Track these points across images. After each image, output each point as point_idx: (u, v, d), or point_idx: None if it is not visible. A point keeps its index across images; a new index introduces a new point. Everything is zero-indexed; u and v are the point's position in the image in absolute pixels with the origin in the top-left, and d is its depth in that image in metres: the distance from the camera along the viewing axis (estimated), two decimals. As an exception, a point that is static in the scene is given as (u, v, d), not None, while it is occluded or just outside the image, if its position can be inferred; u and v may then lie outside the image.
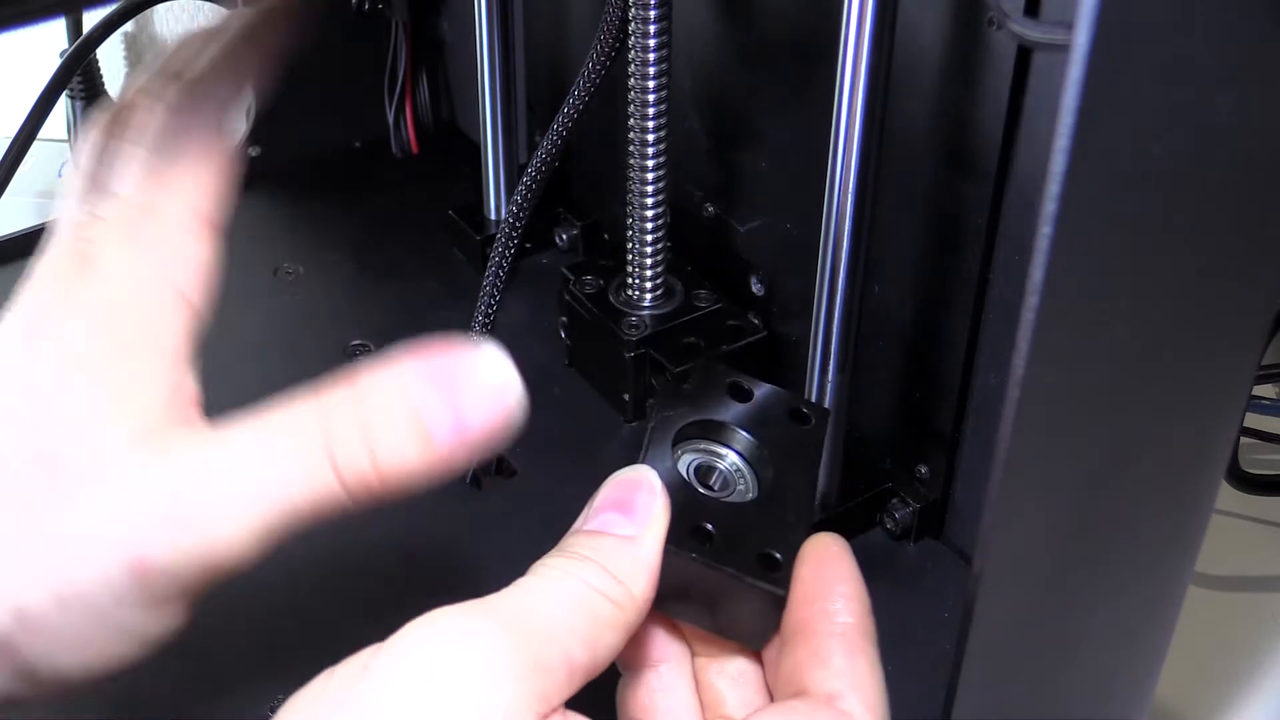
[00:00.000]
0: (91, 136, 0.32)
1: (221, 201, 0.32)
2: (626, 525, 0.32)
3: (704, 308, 0.55)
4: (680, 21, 0.50)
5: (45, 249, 0.31)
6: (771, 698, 0.34)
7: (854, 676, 0.32)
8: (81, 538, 0.29)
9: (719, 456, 0.36)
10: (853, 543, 0.50)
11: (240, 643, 0.46)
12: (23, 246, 0.63)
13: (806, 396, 0.47)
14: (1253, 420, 0.58)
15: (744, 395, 0.37)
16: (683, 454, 0.35)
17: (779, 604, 0.33)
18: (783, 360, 0.55)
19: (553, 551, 0.32)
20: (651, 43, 0.48)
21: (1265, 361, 0.53)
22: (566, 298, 0.57)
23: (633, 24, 0.48)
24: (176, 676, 0.46)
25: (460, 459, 0.30)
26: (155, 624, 0.30)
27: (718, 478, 0.36)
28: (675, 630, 0.35)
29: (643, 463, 0.34)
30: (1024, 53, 0.41)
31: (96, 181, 0.31)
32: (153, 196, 0.31)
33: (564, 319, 0.58)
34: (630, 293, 0.55)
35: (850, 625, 0.33)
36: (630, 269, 0.55)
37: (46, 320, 0.30)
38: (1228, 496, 0.56)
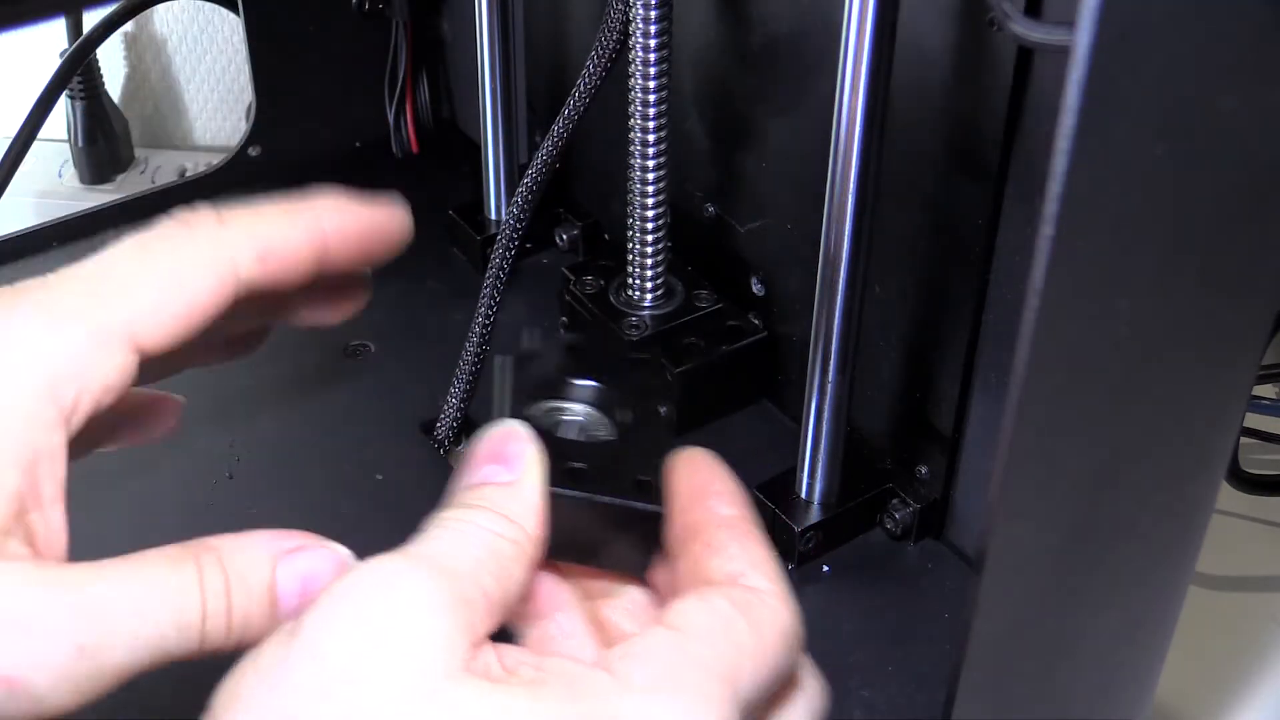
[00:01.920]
0: None
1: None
2: (505, 473, 0.33)
3: (704, 308, 0.55)
4: (681, 21, 0.50)
5: None
6: None
7: (750, 557, 0.33)
8: None
9: (573, 412, 0.37)
10: (853, 543, 0.51)
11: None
12: (23, 246, 0.63)
13: (807, 397, 0.47)
14: (1253, 420, 0.58)
15: (583, 352, 0.38)
16: (538, 415, 0.36)
17: (660, 523, 0.34)
18: (783, 360, 0.55)
19: (442, 506, 0.32)
20: (652, 43, 0.48)
21: (1265, 361, 0.53)
22: (567, 298, 0.57)
23: (633, 24, 0.48)
24: (176, 677, 0.46)
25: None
26: None
27: (579, 432, 0.37)
28: (562, 578, 0.35)
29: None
30: (1024, 53, 0.41)
31: None
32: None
33: (564, 319, 0.58)
34: (631, 293, 0.55)
35: (734, 515, 0.34)
36: (631, 269, 0.55)
37: None
38: (1228, 496, 0.56)
